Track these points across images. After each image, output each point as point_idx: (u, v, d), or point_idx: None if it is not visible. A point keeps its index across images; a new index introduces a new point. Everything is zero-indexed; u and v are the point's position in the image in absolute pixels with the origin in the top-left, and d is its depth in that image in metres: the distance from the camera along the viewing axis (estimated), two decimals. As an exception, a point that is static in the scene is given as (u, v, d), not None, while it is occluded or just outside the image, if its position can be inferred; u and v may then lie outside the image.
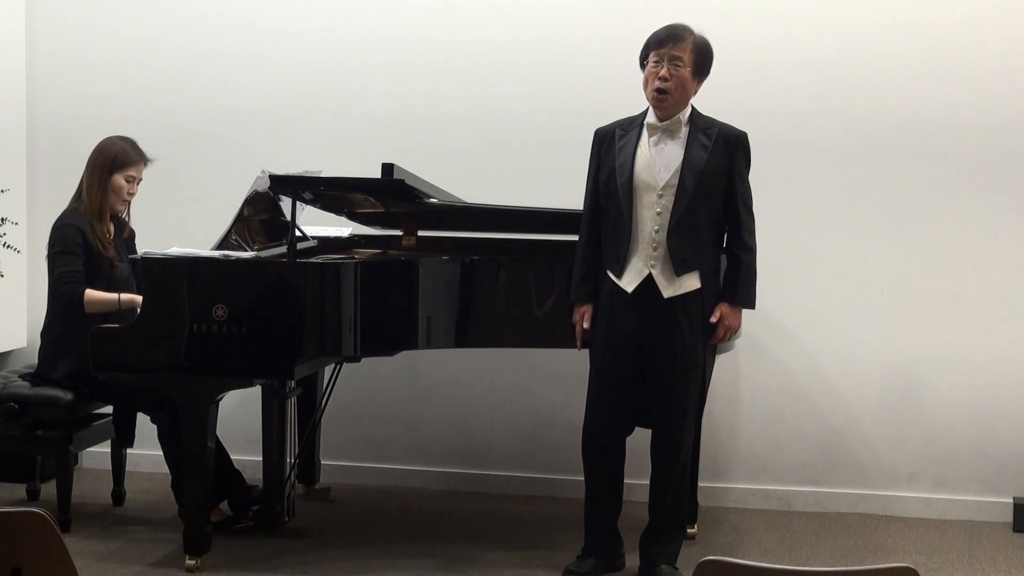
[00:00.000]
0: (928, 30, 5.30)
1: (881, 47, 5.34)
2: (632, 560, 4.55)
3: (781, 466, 5.51)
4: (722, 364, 5.25)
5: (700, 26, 4.38)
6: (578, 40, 5.52)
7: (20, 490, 5.42)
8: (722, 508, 5.45)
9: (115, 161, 4.94)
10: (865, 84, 5.35)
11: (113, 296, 4.83)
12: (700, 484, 5.03)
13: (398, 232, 5.28)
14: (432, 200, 4.88)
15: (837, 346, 5.45)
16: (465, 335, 4.73)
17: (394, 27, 5.68)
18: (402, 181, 4.61)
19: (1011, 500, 5.28)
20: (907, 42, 5.32)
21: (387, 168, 4.58)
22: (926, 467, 5.41)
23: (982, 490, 5.35)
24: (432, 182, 4.89)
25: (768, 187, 5.31)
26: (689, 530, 4.86)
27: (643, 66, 4.37)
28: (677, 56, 4.29)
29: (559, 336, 4.61)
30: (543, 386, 5.63)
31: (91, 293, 4.85)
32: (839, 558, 4.81)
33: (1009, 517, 5.26)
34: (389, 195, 4.93)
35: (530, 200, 5.12)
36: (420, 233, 5.22)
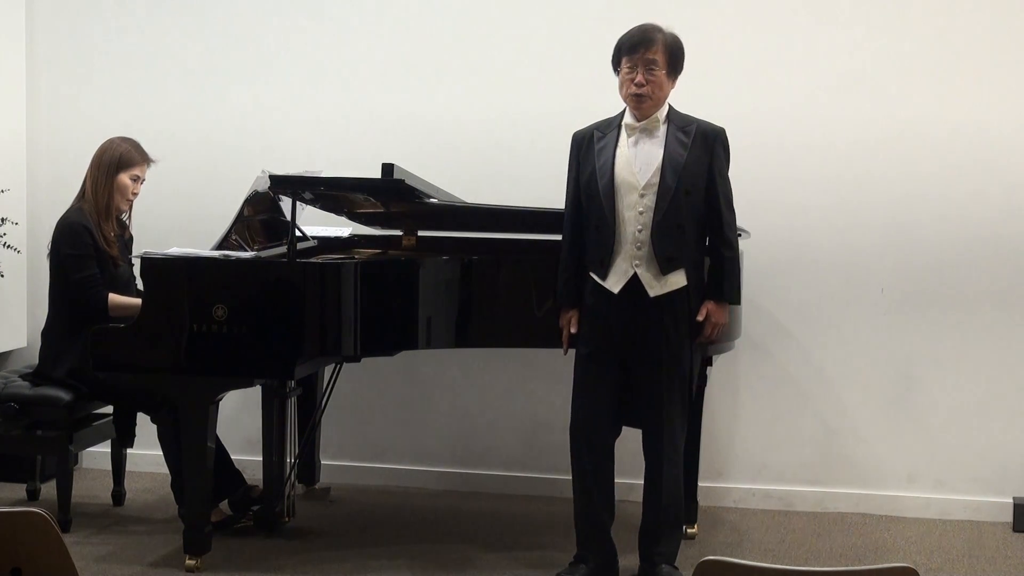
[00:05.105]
0: (929, 32, 5.31)
1: (881, 47, 5.34)
2: (632, 560, 4.53)
3: (781, 466, 5.51)
4: (722, 364, 5.26)
5: (670, 25, 4.34)
6: (579, 40, 5.52)
7: (20, 490, 5.42)
8: (722, 508, 5.45)
9: (120, 160, 4.96)
10: (866, 84, 5.35)
11: (137, 301, 4.81)
12: (700, 484, 5.03)
13: (398, 232, 5.28)
14: (432, 200, 4.88)
15: (837, 346, 5.45)
16: (465, 335, 4.73)
17: (395, 27, 5.68)
18: (402, 181, 4.61)
19: (1011, 500, 5.27)
20: (908, 43, 5.32)
21: (387, 168, 4.57)
22: (926, 467, 5.41)
23: (982, 490, 5.35)
24: (432, 182, 4.89)
25: (768, 186, 5.32)
26: (689, 530, 4.87)
27: (616, 70, 4.36)
28: (651, 60, 4.27)
29: (559, 336, 4.61)
30: (543, 386, 5.62)
31: (115, 298, 4.87)
32: (839, 558, 4.81)
33: (1009, 517, 5.26)
34: (389, 195, 4.93)
35: (529, 200, 5.12)
36: (420, 233, 5.23)
